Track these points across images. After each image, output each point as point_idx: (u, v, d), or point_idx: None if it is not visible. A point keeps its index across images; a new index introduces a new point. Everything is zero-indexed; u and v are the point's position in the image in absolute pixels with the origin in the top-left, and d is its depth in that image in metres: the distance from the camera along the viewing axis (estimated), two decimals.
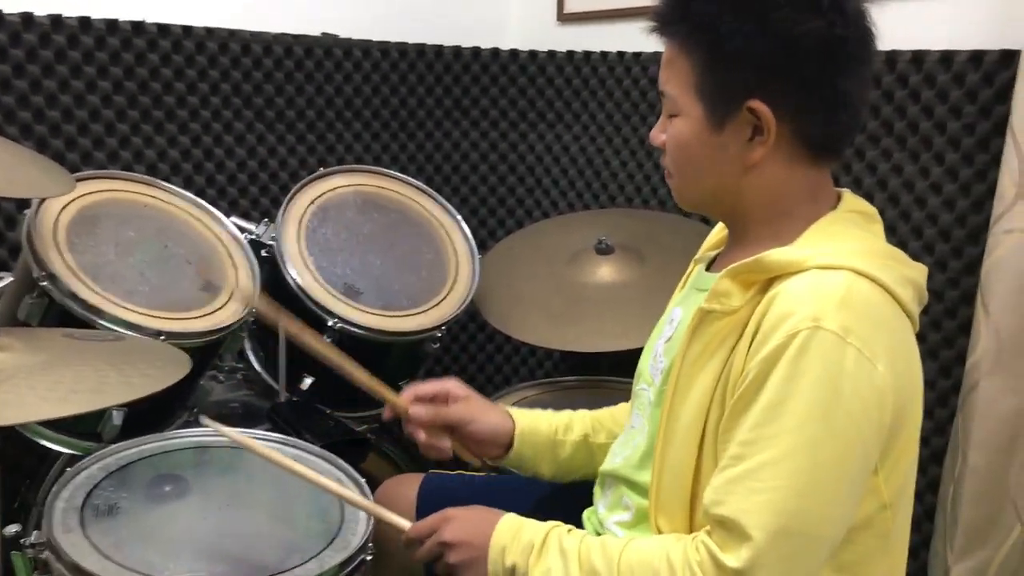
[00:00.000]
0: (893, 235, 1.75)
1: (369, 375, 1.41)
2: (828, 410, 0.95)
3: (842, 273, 0.99)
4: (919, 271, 1.10)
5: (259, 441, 1.35)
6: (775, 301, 0.99)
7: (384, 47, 2.32)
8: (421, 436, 1.35)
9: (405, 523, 1.21)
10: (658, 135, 1.15)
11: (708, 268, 1.23)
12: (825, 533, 0.98)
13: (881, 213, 1.72)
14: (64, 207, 1.61)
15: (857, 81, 1.07)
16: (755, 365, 0.98)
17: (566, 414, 1.41)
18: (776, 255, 1.03)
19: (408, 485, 1.45)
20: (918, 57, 1.69)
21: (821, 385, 0.95)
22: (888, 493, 1.04)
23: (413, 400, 1.36)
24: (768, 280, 1.03)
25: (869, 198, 1.74)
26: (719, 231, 1.29)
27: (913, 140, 1.72)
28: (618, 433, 1.33)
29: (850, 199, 1.13)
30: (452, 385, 1.38)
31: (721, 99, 1.06)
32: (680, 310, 1.20)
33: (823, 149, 1.10)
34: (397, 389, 1.89)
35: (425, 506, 1.37)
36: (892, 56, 1.71)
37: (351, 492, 1.29)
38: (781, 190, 1.09)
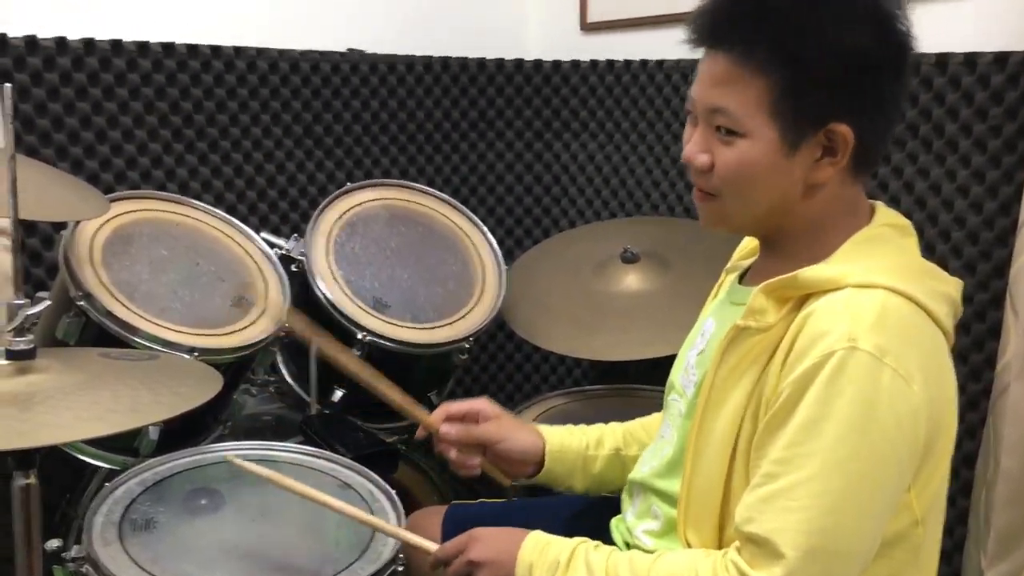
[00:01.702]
0: (921, 238, 1.71)
1: (402, 393, 1.42)
2: (863, 431, 0.95)
3: (878, 292, 0.98)
4: (954, 285, 1.09)
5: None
6: (810, 319, 0.99)
7: (409, 61, 2.34)
8: (452, 454, 1.35)
9: (432, 545, 1.22)
10: (699, 154, 1.08)
11: (741, 279, 1.23)
12: (857, 552, 0.98)
13: (908, 216, 1.71)
14: (99, 227, 1.64)
15: (906, 97, 1.08)
16: (790, 384, 0.98)
17: (597, 428, 1.41)
18: (812, 273, 1.02)
19: (432, 517, 1.45)
20: (942, 60, 1.68)
21: (857, 406, 0.95)
22: (920, 509, 1.04)
23: (444, 419, 1.36)
24: (803, 297, 1.03)
25: (896, 202, 1.76)
26: (750, 239, 1.28)
27: (939, 143, 1.71)
28: (649, 444, 1.33)
29: (884, 212, 1.12)
30: (483, 404, 1.38)
31: (800, 122, 1.03)
32: (713, 322, 1.20)
33: (869, 166, 1.10)
34: (427, 402, 1.93)
35: (449, 536, 1.37)
36: (916, 59, 1.69)
37: (377, 519, 1.30)
38: (829, 207, 1.09)
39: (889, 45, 1.03)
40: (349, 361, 1.48)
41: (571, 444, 1.37)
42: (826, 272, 1.02)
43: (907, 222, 1.14)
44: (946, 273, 1.10)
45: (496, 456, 1.36)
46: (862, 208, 1.12)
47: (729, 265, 1.30)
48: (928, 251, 1.73)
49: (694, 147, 1.09)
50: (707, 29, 1.07)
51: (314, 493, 1.27)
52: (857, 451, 0.95)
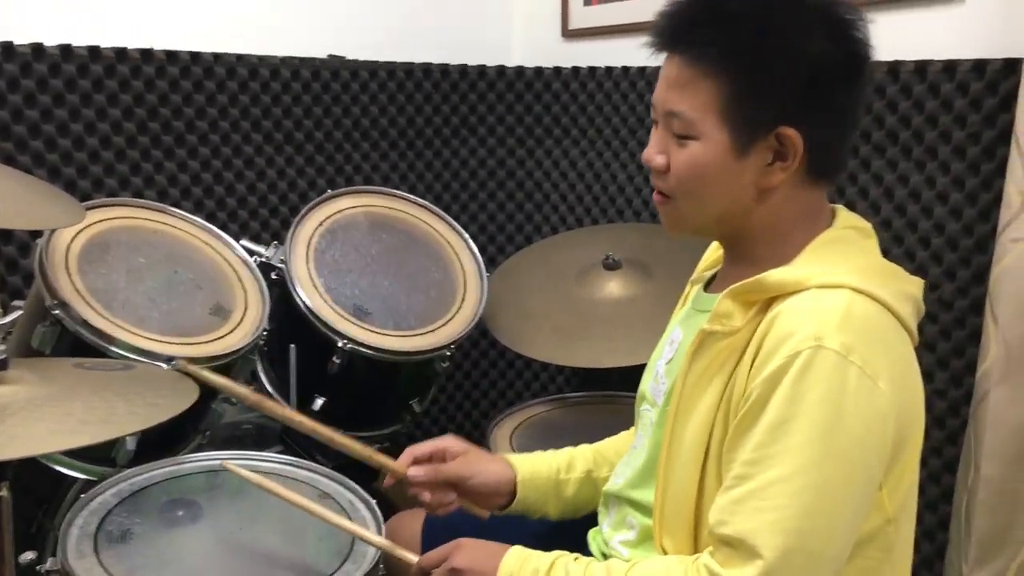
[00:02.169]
0: (900, 245, 1.75)
1: (363, 445, 1.38)
2: (832, 429, 0.95)
3: (842, 292, 0.99)
4: (916, 285, 1.10)
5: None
6: (776, 321, 1.00)
7: (390, 68, 2.34)
8: (426, 497, 1.31)
9: (413, 557, 1.22)
10: (656, 156, 1.11)
11: (706, 288, 1.23)
12: (831, 550, 0.98)
13: (888, 223, 1.75)
14: (75, 235, 1.63)
15: (862, 107, 1.10)
16: (758, 385, 0.99)
17: (566, 452, 1.40)
18: (776, 275, 1.03)
19: (413, 520, 1.45)
20: (921, 67, 1.69)
21: (824, 404, 0.95)
22: (892, 507, 1.04)
23: (411, 462, 1.33)
24: (768, 300, 1.03)
25: (875, 208, 1.77)
26: (714, 250, 1.29)
27: (918, 150, 1.72)
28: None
29: (845, 216, 1.14)
30: (449, 442, 1.36)
31: (750, 125, 1.04)
32: (680, 331, 1.21)
33: (827, 172, 1.11)
34: (409, 409, 1.92)
35: (430, 541, 1.36)
36: (895, 66, 1.71)
37: (361, 528, 1.29)
38: (785, 212, 1.10)
39: (842, 52, 1.04)
40: (301, 420, 1.42)
41: (541, 470, 1.36)
42: (790, 274, 1.03)
43: (867, 224, 1.14)
44: (907, 273, 1.11)
45: (468, 492, 1.33)
46: (823, 213, 1.13)
47: (694, 276, 1.31)
48: (908, 258, 1.74)
49: (651, 149, 1.12)
50: (665, 33, 1.09)
51: (305, 502, 1.26)
52: (827, 449, 0.96)
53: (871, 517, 1.02)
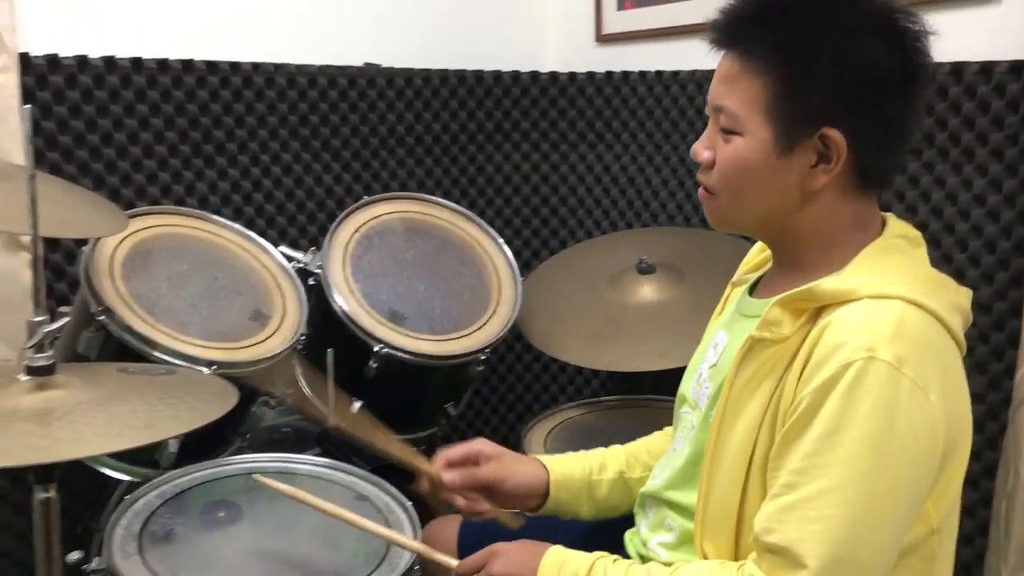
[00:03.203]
0: (937, 248, 1.74)
1: (401, 445, 1.40)
2: (882, 440, 0.95)
3: (895, 303, 0.99)
4: (964, 296, 1.10)
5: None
6: (828, 330, 1.00)
7: (425, 75, 2.36)
8: (460, 502, 1.32)
9: (452, 561, 1.23)
10: (703, 151, 1.12)
11: (751, 292, 1.23)
12: (876, 562, 0.98)
13: (925, 226, 1.73)
14: (119, 243, 1.67)
15: (919, 117, 1.08)
16: (808, 394, 0.98)
17: (599, 453, 1.41)
18: (828, 284, 1.03)
19: (449, 526, 1.46)
20: (958, 68, 1.68)
21: (876, 415, 0.95)
22: (936, 518, 1.04)
23: (445, 466, 1.34)
24: (819, 308, 1.03)
25: (913, 211, 1.75)
26: (757, 252, 1.29)
27: (955, 152, 1.70)
28: (653, 466, 1.33)
29: (895, 224, 1.13)
30: (481, 445, 1.36)
31: (794, 124, 1.05)
32: (724, 335, 1.20)
33: (876, 181, 1.10)
34: (444, 413, 1.94)
35: (466, 546, 1.37)
36: (931, 72, 1.70)
37: (397, 534, 1.31)
38: (832, 218, 1.09)
39: (895, 59, 1.03)
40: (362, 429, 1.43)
41: (574, 472, 1.36)
42: (842, 284, 1.02)
43: (917, 233, 1.14)
44: (956, 283, 1.10)
45: (501, 495, 1.34)
46: (872, 221, 1.12)
47: (735, 279, 1.31)
48: (946, 261, 1.72)
49: (699, 143, 1.13)
50: (720, 29, 1.10)
51: (338, 510, 1.28)
52: (876, 462, 0.95)
53: (915, 527, 1.02)
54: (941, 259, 1.73)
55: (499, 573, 1.16)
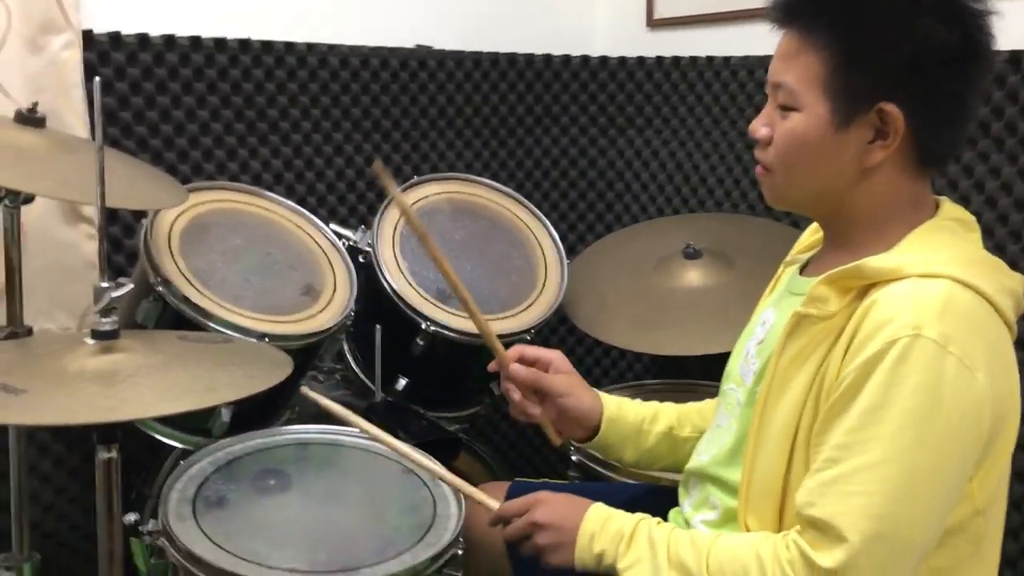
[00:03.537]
0: (991, 238, 1.72)
1: (485, 320, 1.41)
2: (927, 417, 0.95)
3: (943, 282, 0.99)
4: (1018, 280, 1.09)
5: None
6: (874, 308, 1.00)
7: (476, 57, 2.38)
8: (515, 396, 1.36)
9: (494, 503, 1.25)
10: (761, 127, 1.13)
11: (802, 271, 1.23)
12: (918, 539, 0.98)
13: (979, 216, 1.70)
14: (177, 217, 1.71)
15: (977, 97, 1.08)
16: (852, 370, 0.99)
17: (652, 405, 1.43)
18: (876, 262, 1.03)
19: (496, 491, 1.48)
20: (1016, 57, 1.65)
21: (921, 393, 0.95)
22: (981, 499, 1.04)
23: (517, 358, 1.38)
24: (866, 286, 1.03)
25: (966, 201, 1.74)
26: (811, 233, 1.29)
27: (1011, 142, 1.68)
28: (703, 428, 1.35)
29: (949, 207, 1.12)
30: (556, 357, 1.40)
31: (851, 98, 1.05)
32: (773, 312, 1.21)
33: (933, 160, 1.10)
34: (488, 392, 1.96)
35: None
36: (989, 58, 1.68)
37: (440, 468, 1.34)
38: (887, 197, 1.09)
39: (954, 37, 1.02)
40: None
41: (627, 415, 1.39)
42: (890, 262, 1.03)
43: (971, 217, 1.13)
44: (1008, 268, 1.09)
45: (556, 411, 1.37)
46: (926, 203, 1.12)
47: (788, 258, 1.31)
48: (999, 251, 1.70)
49: (757, 121, 1.14)
50: (779, 7, 1.11)
51: (388, 438, 1.32)
52: (920, 439, 0.96)
53: (960, 507, 1.02)
54: (994, 249, 1.70)
55: (541, 520, 1.18)
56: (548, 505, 1.20)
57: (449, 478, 1.32)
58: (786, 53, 1.09)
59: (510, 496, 1.43)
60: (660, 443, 1.40)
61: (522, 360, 1.38)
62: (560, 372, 1.39)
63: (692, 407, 1.44)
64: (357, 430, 1.59)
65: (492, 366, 1.40)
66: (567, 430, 1.40)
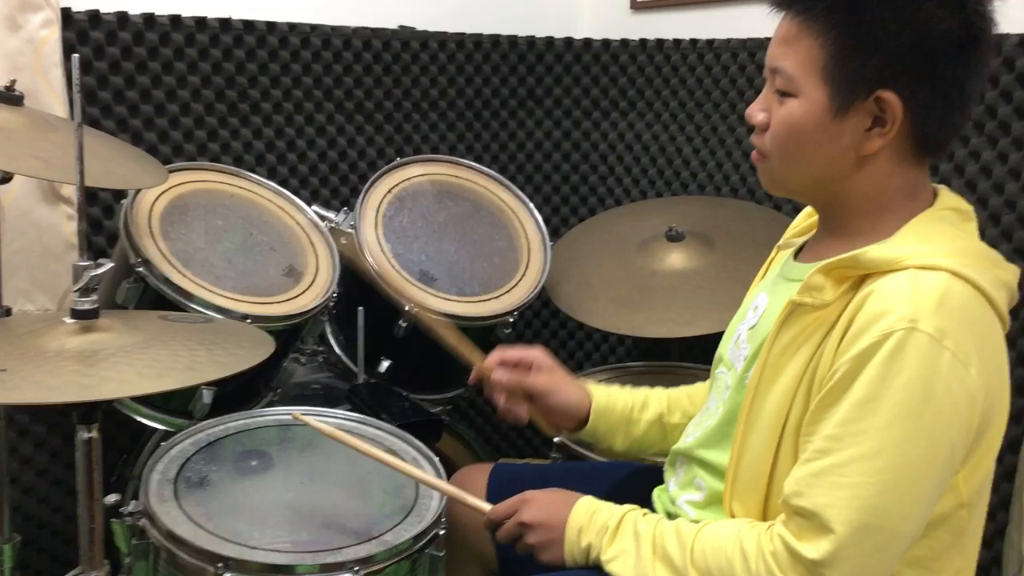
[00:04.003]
0: (997, 224, 1.71)
1: (459, 336, 1.42)
2: (919, 411, 0.95)
3: (940, 274, 0.98)
4: (1012, 272, 1.08)
5: (347, 433, 1.41)
6: (870, 299, 1.00)
7: (459, 39, 2.37)
8: (501, 400, 1.37)
9: (485, 506, 1.26)
10: (758, 113, 1.12)
11: (796, 256, 1.23)
12: (905, 530, 0.99)
13: (985, 202, 1.72)
14: (157, 197, 1.70)
15: (978, 83, 1.07)
16: (846, 361, 0.99)
17: (642, 392, 1.43)
18: (874, 253, 1.02)
19: (479, 473, 1.48)
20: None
21: (914, 386, 0.95)
22: (967, 492, 1.04)
23: (498, 364, 1.38)
24: (862, 276, 1.03)
25: (972, 187, 1.74)
26: (806, 216, 1.28)
27: (1018, 126, 1.67)
28: (692, 414, 1.35)
29: (946, 196, 1.12)
30: (537, 355, 1.40)
31: (850, 85, 1.04)
32: (766, 297, 1.21)
33: (932, 148, 1.09)
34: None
35: (496, 494, 1.39)
36: (998, 40, 1.66)
37: (431, 476, 1.34)
38: (884, 185, 1.09)
39: (955, 23, 1.01)
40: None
41: (616, 405, 1.40)
42: (887, 252, 1.02)
43: (969, 207, 1.13)
44: (1004, 259, 1.09)
45: (543, 408, 1.38)
46: (923, 191, 1.11)
47: (781, 242, 1.30)
48: (1005, 238, 1.70)
49: (754, 106, 1.13)
50: None
51: (377, 452, 1.32)
52: (911, 433, 0.96)
53: (945, 500, 1.02)
54: (1000, 236, 1.70)
55: (530, 520, 1.19)
56: (535, 504, 1.21)
57: (438, 484, 1.32)
58: (784, 37, 1.08)
59: (493, 479, 1.45)
60: (650, 430, 1.40)
61: (503, 363, 1.38)
62: (542, 370, 1.38)
63: (682, 392, 1.44)
64: (340, 411, 1.60)
65: (473, 377, 1.40)
66: (553, 422, 1.41)
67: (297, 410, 1.53)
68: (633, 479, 1.40)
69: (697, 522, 1.13)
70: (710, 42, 2.24)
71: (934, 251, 1.01)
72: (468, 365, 1.43)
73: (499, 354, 1.39)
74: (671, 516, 1.24)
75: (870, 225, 1.09)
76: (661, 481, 1.33)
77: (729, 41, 2.18)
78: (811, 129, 1.07)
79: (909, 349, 0.95)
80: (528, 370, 1.38)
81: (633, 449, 1.41)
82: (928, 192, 1.12)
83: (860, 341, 0.98)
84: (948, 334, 0.95)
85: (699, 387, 1.43)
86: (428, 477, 1.33)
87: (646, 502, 1.31)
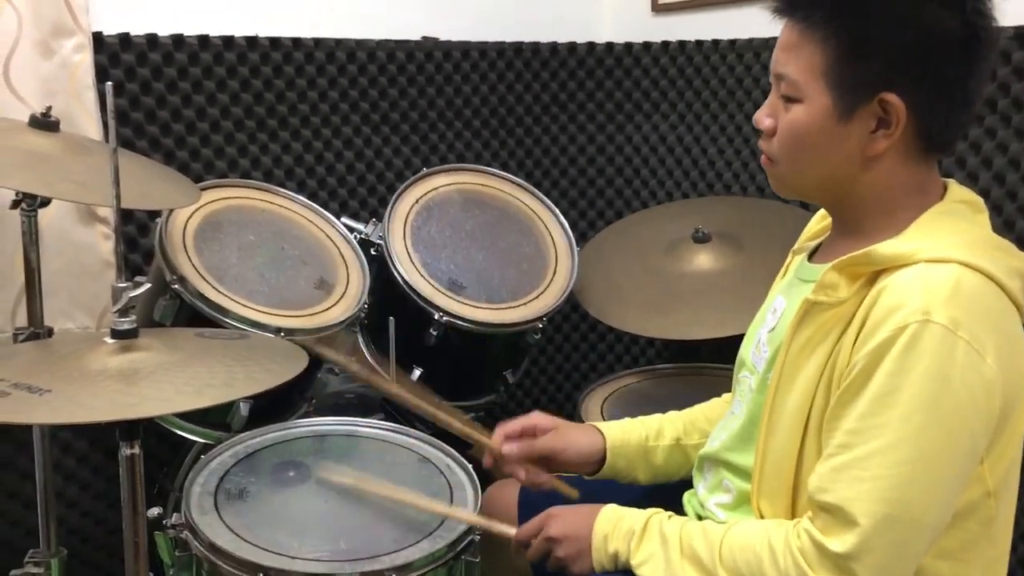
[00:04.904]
0: (999, 214, 1.72)
1: (464, 420, 1.43)
2: (937, 402, 0.96)
3: (951, 266, 0.99)
4: None
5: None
6: (883, 294, 1.01)
7: (482, 47, 2.39)
8: (521, 474, 1.37)
9: (511, 530, 1.28)
10: (764, 118, 1.14)
11: (810, 258, 1.24)
12: (929, 521, 1.00)
13: (987, 192, 1.72)
14: (191, 215, 1.73)
15: (981, 81, 1.07)
16: (863, 357, 1.00)
17: (656, 419, 1.43)
18: (885, 249, 1.03)
19: (508, 490, 1.50)
20: (1021, 33, 1.65)
21: (930, 377, 0.96)
22: (992, 481, 1.05)
23: (503, 440, 1.38)
24: (875, 272, 1.04)
25: (974, 178, 1.74)
26: (819, 220, 1.30)
27: (1018, 118, 1.68)
28: (710, 432, 1.35)
29: (956, 189, 1.13)
30: (537, 418, 1.41)
31: (853, 89, 1.05)
32: (783, 300, 1.22)
33: (938, 146, 1.10)
34: (503, 380, 1.98)
35: (526, 509, 1.42)
36: (994, 37, 1.67)
37: (457, 510, 1.35)
38: (893, 183, 1.10)
39: (956, 23, 1.02)
40: (411, 396, 1.50)
41: (631, 438, 1.39)
42: (899, 248, 1.03)
43: (979, 199, 1.13)
44: (1016, 248, 1.09)
45: (560, 464, 1.38)
46: (933, 187, 1.12)
47: (796, 246, 1.32)
48: (1007, 228, 1.71)
49: (761, 112, 1.15)
50: None
51: (397, 493, 1.35)
52: (930, 423, 0.97)
53: (970, 490, 1.03)
54: (1003, 226, 1.71)
55: (556, 535, 1.21)
56: (560, 518, 1.22)
57: (463, 516, 1.33)
58: (787, 44, 1.10)
59: (523, 494, 1.46)
60: (670, 457, 1.40)
61: (508, 437, 1.39)
62: (547, 430, 1.39)
63: (699, 412, 1.44)
64: (375, 420, 1.62)
65: (487, 460, 1.41)
66: (576, 471, 1.41)
67: (332, 421, 1.56)
68: (664, 485, 1.41)
69: (725, 524, 1.14)
70: (732, 42, 2.24)
71: (944, 244, 1.02)
72: (480, 449, 1.43)
73: (501, 430, 1.39)
74: (701, 519, 1.25)
75: (881, 223, 1.10)
76: (691, 485, 1.34)
77: (751, 41, 2.18)
78: (817, 134, 1.08)
79: (924, 341, 0.96)
80: (533, 436, 1.39)
81: (659, 478, 1.41)
82: (938, 187, 1.13)
83: (876, 336, 0.99)
84: (962, 324, 0.96)
85: (714, 403, 1.44)
86: (451, 511, 1.34)
87: (677, 506, 1.32)
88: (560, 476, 1.40)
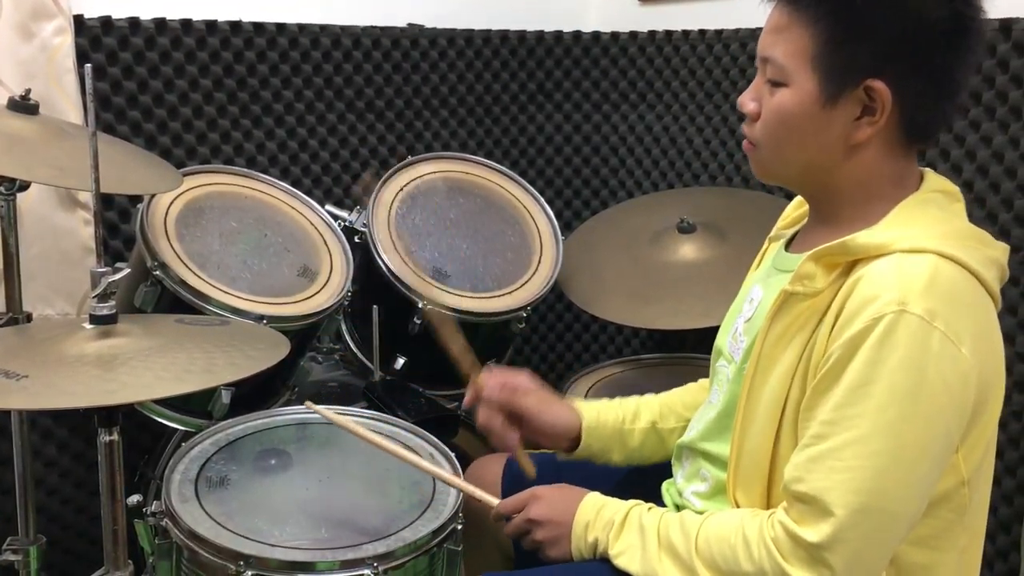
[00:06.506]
0: (983, 207, 1.72)
1: (463, 347, 1.43)
2: (912, 392, 0.97)
3: (927, 256, 0.99)
4: (1001, 250, 1.10)
5: (358, 422, 1.43)
6: (859, 284, 1.01)
7: (468, 35, 2.37)
8: (496, 424, 1.36)
9: (494, 500, 1.27)
10: (749, 102, 1.13)
11: (787, 247, 1.24)
12: (904, 511, 1.00)
13: (970, 185, 1.73)
14: (172, 201, 1.72)
15: (968, 72, 1.07)
16: (838, 347, 1.00)
17: (633, 401, 1.42)
18: (861, 239, 1.03)
19: (495, 463, 1.50)
20: (1006, 25, 1.65)
21: (906, 368, 0.96)
22: (967, 470, 1.05)
23: (490, 381, 1.38)
24: (852, 262, 1.04)
25: (957, 170, 1.75)
26: (795, 207, 1.29)
27: (1002, 110, 1.69)
28: (688, 417, 1.35)
29: (933, 179, 1.13)
30: (522, 379, 1.39)
31: (839, 74, 1.05)
32: (760, 289, 1.22)
33: (921, 136, 1.10)
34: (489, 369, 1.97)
35: (510, 483, 1.42)
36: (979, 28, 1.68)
37: (442, 470, 1.36)
38: (874, 172, 1.09)
39: (944, 12, 1.02)
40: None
41: (607, 419, 1.39)
42: (875, 238, 1.03)
43: (955, 188, 1.14)
44: (992, 238, 1.10)
45: (533, 430, 1.37)
46: (911, 176, 1.12)
47: (772, 233, 1.32)
48: (991, 220, 1.71)
49: (746, 95, 1.14)
50: None
51: (386, 443, 1.34)
52: (906, 413, 0.97)
53: (945, 479, 1.04)
54: (986, 218, 1.72)
55: (537, 517, 1.20)
56: (543, 501, 1.22)
57: (447, 478, 1.33)
58: (775, 27, 1.09)
59: (509, 469, 1.46)
60: (646, 440, 1.39)
61: (494, 383, 1.38)
62: (529, 391, 1.38)
63: (676, 397, 1.43)
64: (356, 408, 1.62)
65: (468, 399, 1.40)
66: (549, 445, 1.40)
67: (310, 411, 1.56)
68: (643, 472, 1.41)
69: (703, 513, 1.14)
70: (719, 32, 2.24)
71: (920, 234, 1.02)
72: (466, 377, 1.42)
73: (489, 374, 1.39)
74: (679, 508, 1.26)
75: (859, 213, 1.10)
76: (671, 473, 1.34)
77: (738, 31, 2.18)
78: (801, 118, 1.08)
79: (900, 331, 0.96)
80: (514, 392, 1.38)
81: (633, 460, 1.40)
82: (915, 177, 1.13)
83: (851, 326, 0.99)
84: (938, 315, 0.96)
85: (692, 388, 1.43)
86: (436, 470, 1.34)
87: (656, 494, 1.33)
88: (532, 454, 1.40)
